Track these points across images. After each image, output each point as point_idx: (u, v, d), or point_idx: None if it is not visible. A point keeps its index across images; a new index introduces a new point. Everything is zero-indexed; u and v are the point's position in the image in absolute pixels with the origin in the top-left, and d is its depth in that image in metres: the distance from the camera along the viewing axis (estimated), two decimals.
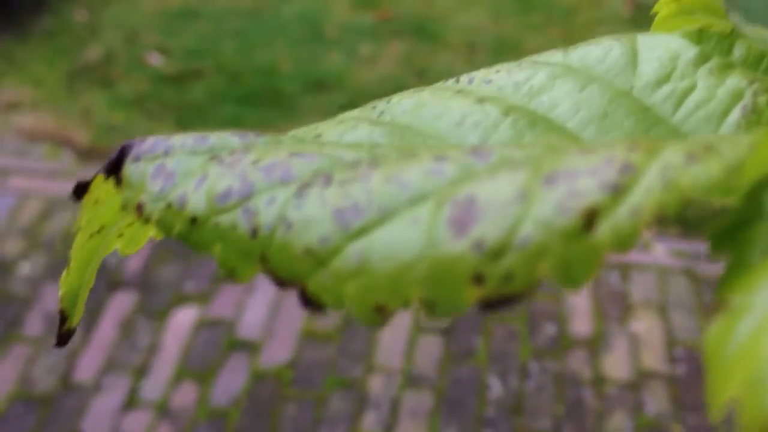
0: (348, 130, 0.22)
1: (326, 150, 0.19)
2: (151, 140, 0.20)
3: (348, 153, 0.19)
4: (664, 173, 0.15)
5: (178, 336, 1.56)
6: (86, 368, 1.51)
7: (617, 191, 0.15)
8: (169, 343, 1.55)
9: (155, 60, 2.27)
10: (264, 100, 2.11)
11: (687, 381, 1.48)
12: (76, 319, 0.22)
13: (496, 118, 0.22)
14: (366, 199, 0.17)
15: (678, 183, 0.15)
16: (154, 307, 1.61)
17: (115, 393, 1.47)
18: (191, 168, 0.19)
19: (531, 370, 1.50)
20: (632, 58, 0.23)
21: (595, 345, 1.54)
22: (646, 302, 1.61)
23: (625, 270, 1.67)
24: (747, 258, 0.16)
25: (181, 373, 1.50)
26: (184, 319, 1.59)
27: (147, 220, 0.19)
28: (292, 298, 1.63)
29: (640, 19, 2.14)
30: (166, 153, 0.20)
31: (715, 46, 0.23)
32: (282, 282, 0.17)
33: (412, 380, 1.49)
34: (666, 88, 0.22)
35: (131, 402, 1.46)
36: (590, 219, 0.15)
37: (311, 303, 0.17)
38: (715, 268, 1.67)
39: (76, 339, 1.55)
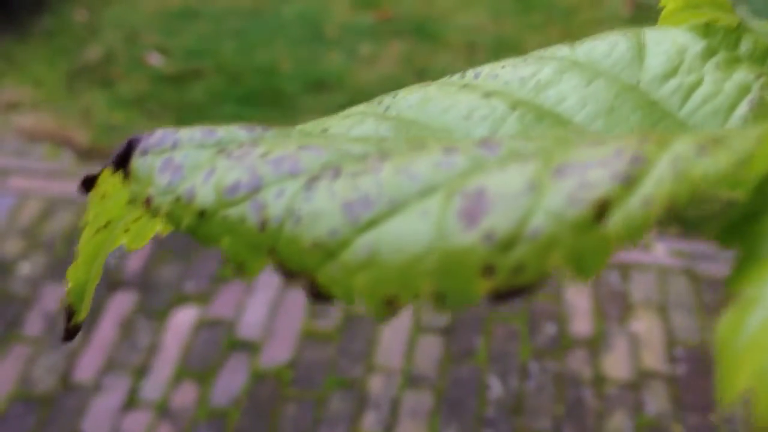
0: (355, 125, 0.22)
1: (334, 143, 0.19)
2: (158, 134, 0.20)
3: (356, 146, 0.19)
4: (675, 164, 0.15)
5: (178, 336, 1.56)
6: (86, 368, 1.51)
7: (628, 182, 0.15)
8: (169, 343, 1.55)
9: (155, 60, 2.27)
10: (264, 100, 2.11)
11: (687, 381, 1.48)
12: (83, 313, 0.22)
13: (503, 112, 0.22)
14: (375, 191, 0.17)
15: (689, 174, 0.15)
16: (154, 307, 1.61)
17: (115, 393, 1.47)
18: (199, 161, 0.19)
19: (531, 370, 1.50)
20: (639, 53, 0.23)
21: (595, 345, 1.54)
22: (646, 302, 1.61)
23: (625, 270, 1.67)
24: (756, 251, 0.16)
25: (181, 373, 1.50)
26: (184, 319, 1.59)
27: (155, 214, 0.19)
28: (292, 298, 1.63)
29: (640, 18, 2.14)
30: (174, 146, 0.20)
31: (721, 40, 0.23)
32: (291, 275, 0.17)
33: (412, 380, 1.48)
34: (673, 83, 0.22)
35: (131, 402, 1.46)
36: (601, 210, 0.15)
37: (320, 296, 0.17)
38: (715, 268, 1.67)
39: (76, 339, 1.55)
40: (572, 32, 2.25)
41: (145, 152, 0.20)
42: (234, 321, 1.59)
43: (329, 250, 0.17)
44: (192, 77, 2.19)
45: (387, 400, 1.45)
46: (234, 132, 0.20)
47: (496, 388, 1.47)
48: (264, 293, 1.64)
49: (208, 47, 2.31)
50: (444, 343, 1.54)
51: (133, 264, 1.69)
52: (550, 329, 1.56)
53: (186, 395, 1.47)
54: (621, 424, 1.42)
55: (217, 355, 1.53)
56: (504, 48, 2.19)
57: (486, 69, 0.25)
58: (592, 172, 0.15)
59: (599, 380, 1.48)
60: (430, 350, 1.53)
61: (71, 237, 1.74)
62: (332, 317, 1.59)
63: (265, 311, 1.60)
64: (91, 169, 1.96)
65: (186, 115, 2.05)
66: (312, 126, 0.23)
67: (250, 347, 1.54)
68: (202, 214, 0.18)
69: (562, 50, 0.24)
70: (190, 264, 1.69)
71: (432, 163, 0.17)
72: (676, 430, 1.41)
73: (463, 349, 1.53)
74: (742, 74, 0.22)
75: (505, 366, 1.51)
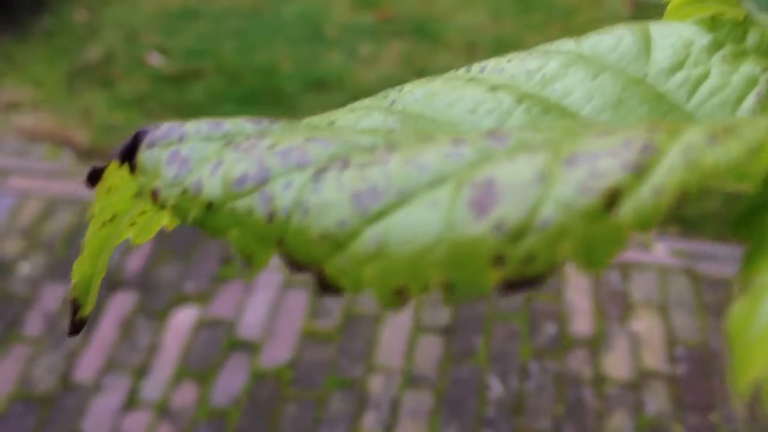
0: (362, 118, 0.22)
1: (342, 135, 0.19)
2: (165, 126, 0.20)
3: (364, 138, 0.19)
4: (687, 153, 0.15)
5: (178, 336, 1.56)
6: (86, 368, 1.51)
7: (639, 171, 0.15)
8: (169, 343, 1.55)
9: (155, 60, 2.27)
10: (264, 99, 2.11)
11: (687, 381, 1.48)
12: (89, 307, 0.22)
13: (510, 105, 0.22)
14: (384, 182, 0.17)
15: (700, 163, 0.15)
16: (154, 307, 1.61)
17: (115, 393, 1.47)
18: (206, 153, 0.19)
19: (531, 369, 1.50)
20: (645, 46, 0.23)
21: (596, 345, 1.54)
22: (646, 302, 1.61)
23: (625, 269, 1.67)
24: (767, 240, 0.16)
25: (181, 373, 1.50)
26: (184, 319, 1.59)
27: (162, 206, 0.19)
28: (292, 298, 1.63)
29: (640, 18, 2.13)
30: (181, 139, 0.20)
31: (728, 33, 0.23)
32: (299, 266, 0.17)
33: (412, 380, 1.48)
34: (680, 76, 0.22)
35: (131, 402, 1.46)
36: (612, 199, 0.15)
37: (328, 287, 0.17)
38: (715, 268, 1.67)
39: (75, 339, 1.55)
40: (572, 32, 2.24)
41: (151, 145, 0.20)
42: (234, 321, 1.59)
43: (338, 242, 0.16)
44: (192, 77, 2.19)
45: (387, 400, 1.45)
46: (241, 125, 0.20)
47: (496, 388, 1.47)
48: (264, 293, 1.63)
49: (208, 47, 2.31)
50: (444, 343, 1.54)
51: (133, 264, 1.69)
52: (550, 329, 1.56)
53: (186, 395, 1.47)
54: (621, 424, 1.42)
55: (217, 355, 1.53)
56: (504, 48, 2.19)
57: (491, 63, 0.25)
58: (602, 161, 0.15)
59: (599, 380, 1.48)
60: (430, 350, 1.53)
61: (71, 237, 1.74)
62: (332, 317, 1.59)
63: (265, 311, 1.60)
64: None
65: (186, 115, 2.05)
66: (318, 119, 0.23)
67: (250, 347, 1.54)
68: (210, 207, 0.18)
69: (568, 44, 0.24)
70: (190, 264, 1.69)
71: (440, 154, 0.17)
72: (676, 430, 1.41)
73: (463, 349, 1.53)
74: (749, 67, 0.22)
75: (505, 366, 1.50)
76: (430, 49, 2.30)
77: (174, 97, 2.12)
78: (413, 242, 0.16)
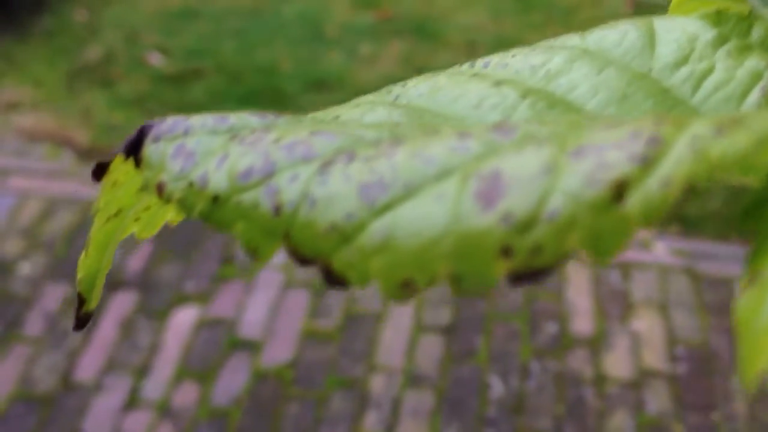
0: (366, 112, 0.22)
1: (347, 129, 0.19)
2: (170, 120, 0.20)
3: (369, 131, 0.19)
4: (694, 145, 0.15)
5: (178, 336, 1.56)
6: (87, 368, 1.51)
7: (646, 163, 0.15)
8: (170, 342, 1.55)
9: (155, 60, 2.27)
10: (264, 99, 2.11)
11: (688, 380, 1.48)
12: (94, 302, 0.22)
13: (514, 100, 0.22)
14: (391, 175, 0.17)
15: (708, 154, 0.15)
16: (155, 307, 1.61)
17: (115, 393, 1.47)
18: (212, 147, 0.19)
19: (532, 369, 1.50)
20: (649, 41, 0.23)
21: (596, 344, 1.54)
22: (646, 301, 1.61)
23: (625, 269, 1.67)
24: None
25: (182, 373, 1.50)
26: (184, 318, 1.59)
27: (168, 200, 0.19)
28: (292, 298, 1.63)
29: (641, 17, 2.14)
30: (186, 133, 0.20)
31: (733, 28, 0.23)
32: (305, 260, 0.17)
33: (413, 380, 1.48)
34: (684, 70, 0.22)
35: (132, 402, 1.46)
36: (620, 190, 0.15)
37: (335, 280, 0.17)
38: (715, 267, 1.67)
39: (76, 339, 1.55)
40: (572, 31, 2.25)
41: (157, 139, 0.20)
42: (235, 321, 1.59)
43: (345, 234, 0.16)
44: (192, 77, 2.19)
45: (388, 399, 1.45)
46: (246, 118, 0.20)
47: (497, 387, 1.47)
48: (264, 293, 1.63)
49: (208, 47, 2.31)
50: (445, 343, 1.54)
51: (134, 264, 1.69)
52: (550, 328, 1.56)
53: (187, 395, 1.47)
54: (622, 424, 1.42)
55: (217, 355, 1.53)
56: (504, 47, 2.18)
57: (495, 58, 0.25)
58: (609, 153, 0.15)
59: (600, 379, 1.48)
60: (430, 350, 1.53)
61: (71, 237, 1.74)
62: (333, 317, 1.59)
63: (266, 311, 1.60)
64: (91, 169, 1.97)
65: (186, 115, 2.04)
66: (323, 114, 0.23)
67: (250, 347, 1.54)
68: (216, 200, 0.18)
69: (572, 39, 0.24)
70: (191, 264, 1.69)
71: (446, 147, 0.17)
72: (677, 430, 1.41)
73: (464, 349, 1.53)
74: (753, 61, 0.22)
75: (506, 365, 1.51)
76: (430, 48, 2.30)
77: (174, 97, 2.12)
78: (420, 234, 0.16)
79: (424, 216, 0.16)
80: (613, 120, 0.18)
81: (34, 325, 1.57)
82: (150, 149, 0.20)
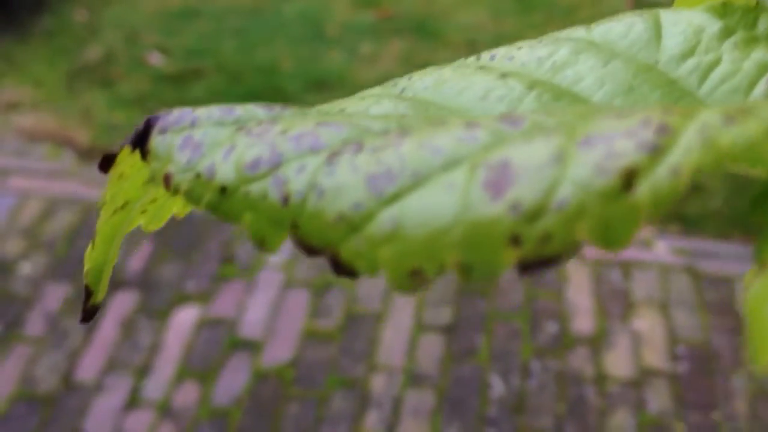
0: (372, 105, 0.22)
1: (354, 120, 0.19)
2: (176, 112, 0.20)
3: (376, 123, 0.19)
4: (703, 133, 0.15)
5: (179, 335, 1.56)
6: (88, 368, 1.50)
7: (656, 151, 0.15)
8: (171, 342, 1.55)
9: (155, 59, 2.27)
10: (265, 99, 2.11)
11: (689, 379, 1.48)
12: (101, 294, 0.22)
13: (521, 92, 0.22)
14: (398, 165, 0.17)
15: (717, 142, 0.15)
16: (155, 307, 1.61)
17: (116, 393, 1.47)
18: (219, 138, 0.19)
19: (533, 368, 1.50)
20: (656, 33, 0.23)
21: (597, 343, 1.54)
22: (647, 300, 1.61)
23: (626, 268, 1.67)
24: None
25: (183, 373, 1.50)
26: (185, 318, 1.59)
27: (175, 191, 0.19)
28: (293, 298, 1.63)
29: None
30: (193, 124, 0.20)
31: (739, 20, 0.23)
32: (313, 250, 0.17)
33: (413, 379, 1.48)
34: (691, 62, 0.22)
35: (133, 402, 1.45)
36: (629, 179, 0.15)
37: (343, 270, 0.17)
38: (716, 266, 1.67)
39: (77, 339, 1.55)
40: None
41: (164, 130, 0.20)
42: (235, 320, 1.59)
43: (353, 224, 0.16)
44: (192, 77, 2.19)
45: (389, 399, 1.45)
46: (252, 110, 0.20)
47: (497, 386, 1.47)
48: (265, 293, 1.63)
49: (208, 46, 2.31)
50: (445, 342, 1.54)
51: (134, 263, 1.69)
52: (551, 327, 1.56)
53: (188, 395, 1.47)
54: (623, 422, 1.42)
55: (218, 355, 1.53)
56: None
57: (501, 51, 0.25)
58: (618, 142, 0.15)
59: (601, 378, 1.48)
60: (431, 349, 1.53)
61: (72, 237, 1.74)
62: (333, 316, 1.59)
63: (267, 310, 1.60)
64: (92, 168, 1.96)
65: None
66: (329, 107, 0.23)
67: (251, 346, 1.54)
68: (223, 191, 0.18)
69: (578, 31, 0.24)
70: (191, 263, 1.69)
71: (454, 138, 0.17)
72: (678, 428, 1.41)
73: (465, 348, 1.53)
74: (760, 53, 0.22)
75: (506, 365, 1.50)
76: (430, 47, 2.30)
77: (174, 97, 2.12)
78: (429, 224, 0.16)
79: (433, 205, 0.16)
80: (622, 109, 0.18)
81: (34, 325, 1.57)
82: (157, 141, 0.20)
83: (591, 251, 1.69)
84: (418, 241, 0.16)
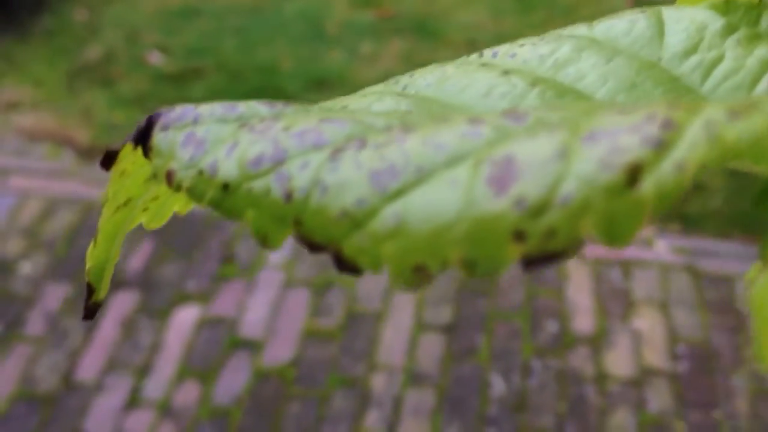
0: (374, 102, 0.22)
1: (357, 116, 0.19)
2: (179, 109, 0.20)
3: (379, 119, 0.19)
4: (708, 128, 0.15)
5: (180, 335, 1.56)
6: (88, 368, 1.50)
7: (660, 146, 0.15)
8: (171, 342, 1.55)
9: (156, 59, 2.27)
10: (265, 98, 2.10)
11: (689, 378, 1.48)
12: (103, 292, 0.22)
13: (523, 89, 0.22)
14: (402, 161, 0.17)
15: (722, 137, 0.15)
16: (156, 306, 1.61)
17: (117, 392, 1.47)
18: (222, 135, 0.19)
19: (533, 367, 1.50)
20: (658, 30, 0.23)
21: (598, 342, 1.54)
22: (648, 299, 1.61)
23: (626, 267, 1.67)
24: None
25: (184, 372, 1.50)
26: (185, 318, 1.59)
27: (178, 188, 0.19)
28: (293, 297, 1.63)
29: None
30: (195, 121, 0.20)
31: (742, 17, 0.23)
32: (316, 246, 0.17)
33: (414, 378, 1.48)
34: (694, 59, 0.22)
35: (133, 401, 1.45)
36: (634, 174, 0.15)
37: (346, 266, 0.17)
38: (716, 265, 1.67)
39: (77, 339, 1.55)
40: None
41: (166, 127, 0.20)
42: (236, 320, 1.58)
43: (356, 220, 0.16)
44: (193, 76, 2.19)
45: (389, 398, 1.45)
46: (255, 107, 0.20)
47: (498, 386, 1.47)
48: (265, 292, 1.63)
49: (208, 46, 2.31)
50: (446, 341, 1.54)
51: (135, 263, 1.69)
52: (552, 327, 1.56)
53: (188, 394, 1.47)
54: (623, 422, 1.42)
55: (219, 354, 1.53)
56: None
57: (503, 48, 0.25)
58: (623, 137, 0.15)
59: (601, 377, 1.48)
60: (432, 348, 1.53)
61: (72, 236, 1.74)
62: (334, 316, 1.59)
63: (267, 310, 1.60)
64: (93, 168, 1.96)
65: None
66: (331, 104, 0.23)
67: (252, 346, 1.54)
68: (226, 188, 0.18)
69: (580, 29, 0.24)
70: (192, 263, 1.69)
71: (458, 134, 0.17)
72: (678, 427, 1.41)
73: (465, 347, 1.53)
74: (763, 50, 0.22)
75: (507, 364, 1.50)
76: (430, 47, 2.30)
77: (175, 96, 2.12)
78: (433, 220, 0.16)
79: (437, 201, 0.16)
80: (625, 105, 0.18)
81: (35, 324, 1.57)
82: (159, 138, 0.20)
83: (591, 250, 1.69)
84: (421, 237, 0.16)
